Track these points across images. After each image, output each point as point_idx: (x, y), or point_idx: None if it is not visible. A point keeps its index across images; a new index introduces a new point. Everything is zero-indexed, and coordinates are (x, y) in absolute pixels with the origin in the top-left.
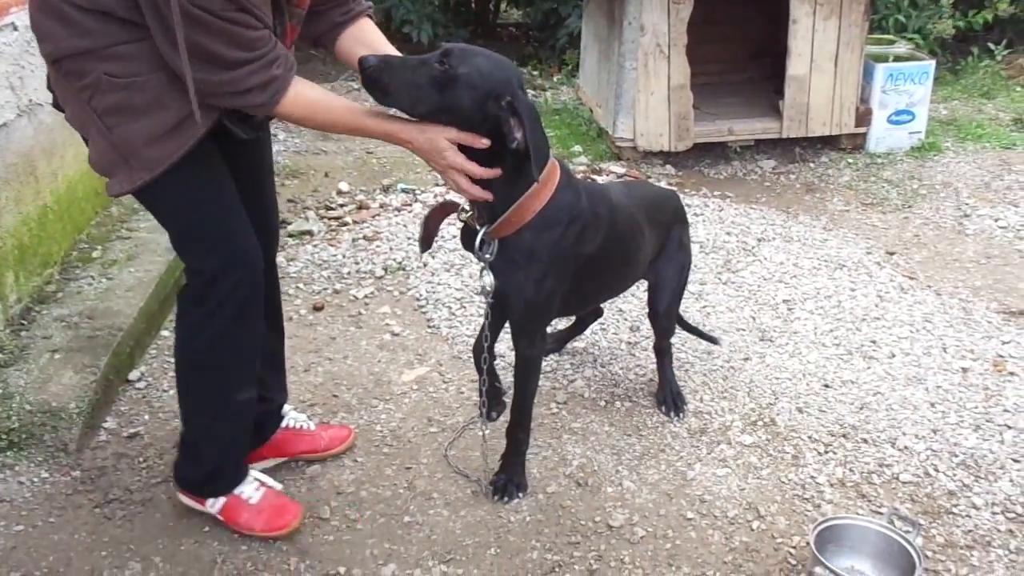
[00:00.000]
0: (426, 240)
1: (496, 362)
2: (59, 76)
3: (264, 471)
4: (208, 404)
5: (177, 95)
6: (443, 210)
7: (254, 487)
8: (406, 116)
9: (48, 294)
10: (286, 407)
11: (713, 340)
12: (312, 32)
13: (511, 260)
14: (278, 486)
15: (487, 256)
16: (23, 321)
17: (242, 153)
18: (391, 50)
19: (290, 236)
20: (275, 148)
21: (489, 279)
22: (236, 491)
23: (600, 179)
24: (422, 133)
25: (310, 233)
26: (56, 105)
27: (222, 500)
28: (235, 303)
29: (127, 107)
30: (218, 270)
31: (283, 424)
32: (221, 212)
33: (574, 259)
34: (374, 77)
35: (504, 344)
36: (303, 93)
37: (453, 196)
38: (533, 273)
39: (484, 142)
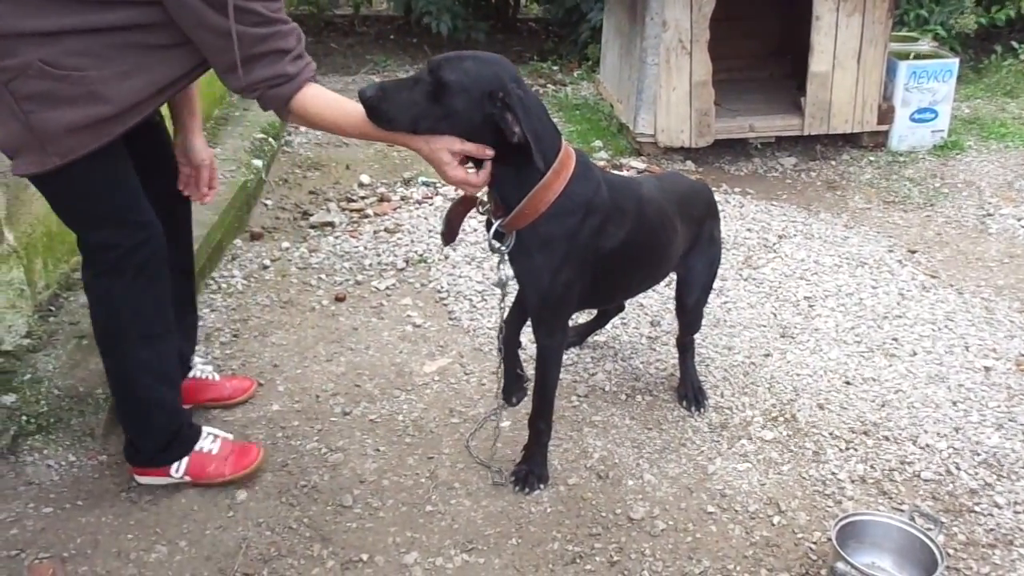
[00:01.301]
0: (449, 234)
1: (520, 350)
2: None
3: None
4: (140, 364)
5: (120, 90)
6: (464, 204)
7: (210, 440)
8: None
9: (75, 281)
10: (195, 359)
11: None
12: None
13: (526, 251)
14: (229, 436)
15: (503, 248)
16: (51, 307)
17: (142, 138)
18: None
19: (312, 227)
20: (298, 140)
21: (506, 269)
22: (196, 448)
23: (622, 175)
24: (427, 144)
25: (332, 225)
26: None
27: (185, 461)
28: (150, 269)
29: (54, 96)
30: (132, 243)
31: (191, 374)
32: (130, 189)
33: (594, 252)
34: (374, 106)
35: (527, 336)
36: (322, 92)
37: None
38: (548, 263)
39: (490, 153)
